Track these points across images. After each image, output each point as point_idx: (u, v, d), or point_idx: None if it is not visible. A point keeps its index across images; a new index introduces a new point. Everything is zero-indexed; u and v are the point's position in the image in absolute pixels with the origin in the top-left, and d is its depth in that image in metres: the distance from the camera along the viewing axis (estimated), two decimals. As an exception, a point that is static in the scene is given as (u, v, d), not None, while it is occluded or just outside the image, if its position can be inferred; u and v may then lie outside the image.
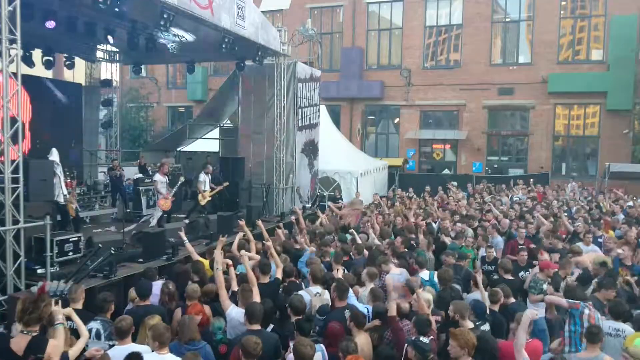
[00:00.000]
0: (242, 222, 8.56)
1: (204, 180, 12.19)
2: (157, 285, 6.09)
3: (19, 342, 3.88)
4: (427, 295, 5.68)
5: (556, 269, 7.01)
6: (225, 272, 6.08)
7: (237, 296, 5.49)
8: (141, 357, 3.98)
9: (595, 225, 10.14)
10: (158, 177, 11.23)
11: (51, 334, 4.15)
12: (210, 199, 12.11)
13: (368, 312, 5.52)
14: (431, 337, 4.74)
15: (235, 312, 5.20)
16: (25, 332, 3.92)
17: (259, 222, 9.21)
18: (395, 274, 6.62)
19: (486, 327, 5.29)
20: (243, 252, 6.76)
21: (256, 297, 5.47)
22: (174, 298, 5.89)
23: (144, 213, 12.45)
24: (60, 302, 4.41)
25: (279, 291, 6.20)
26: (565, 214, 11.73)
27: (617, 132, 19.73)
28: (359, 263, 7.41)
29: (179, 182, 11.80)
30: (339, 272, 6.67)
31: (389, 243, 8.30)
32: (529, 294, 6.73)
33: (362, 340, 4.82)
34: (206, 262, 6.98)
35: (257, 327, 4.78)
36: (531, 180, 18.02)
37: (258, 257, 7.01)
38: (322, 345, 4.71)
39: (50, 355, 3.87)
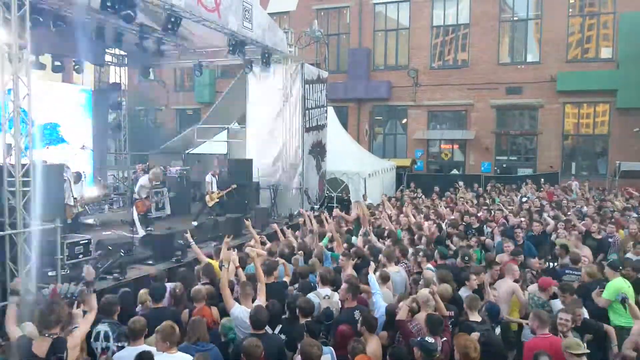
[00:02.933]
0: (248, 222, 8.61)
1: (211, 182, 12.24)
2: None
3: (40, 345, 3.95)
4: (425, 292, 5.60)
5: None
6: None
7: (238, 293, 5.52)
8: (151, 356, 4.01)
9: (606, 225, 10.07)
10: (144, 181, 11.19)
11: (67, 336, 4.20)
12: (217, 200, 12.15)
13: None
14: (444, 338, 4.72)
15: (238, 311, 5.22)
16: (46, 334, 3.98)
17: (274, 225, 9.40)
18: (393, 272, 6.67)
19: (497, 330, 5.29)
20: (249, 248, 6.70)
21: (262, 296, 5.48)
22: (181, 301, 5.91)
23: (153, 215, 12.51)
24: (81, 305, 4.47)
25: (285, 291, 6.20)
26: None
27: (628, 131, 19.51)
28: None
29: (163, 193, 11.76)
30: (348, 270, 6.65)
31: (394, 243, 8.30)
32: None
33: (373, 343, 4.80)
34: (215, 264, 7.01)
35: (262, 330, 4.78)
36: (541, 180, 17.90)
37: (264, 252, 7.02)
38: (330, 347, 4.70)
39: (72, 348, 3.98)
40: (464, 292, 6.08)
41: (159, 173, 11.78)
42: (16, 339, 4.28)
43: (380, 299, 5.73)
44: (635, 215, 11.81)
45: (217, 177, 12.53)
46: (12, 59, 6.80)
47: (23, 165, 6.91)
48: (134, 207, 10.94)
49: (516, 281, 6.64)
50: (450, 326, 5.27)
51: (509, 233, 9.36)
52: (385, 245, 8.24)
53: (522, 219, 10.70)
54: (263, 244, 8.24)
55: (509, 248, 8.20)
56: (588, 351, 4.45)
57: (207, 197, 12.10)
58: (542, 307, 5.90)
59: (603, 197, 15.22)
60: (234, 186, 12.54)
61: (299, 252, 7.77)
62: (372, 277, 6.01)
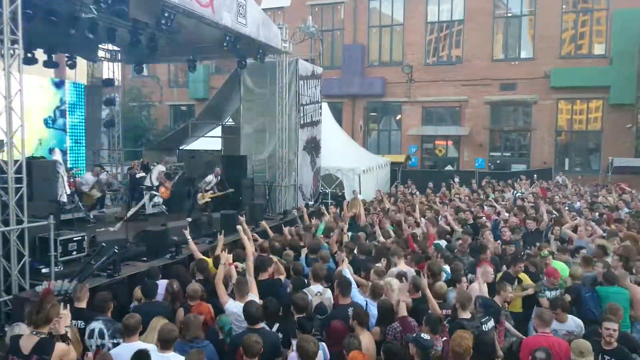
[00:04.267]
0: (242, 218, 8.60)
1: (211, 182, 12.25)
2: (161, 284, 6.10)
3: (26, 341, 3.94)
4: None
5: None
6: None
7: (233, 289, 5.52)
8: (149, 355, 4.00)
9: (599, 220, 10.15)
10: (161, 167, 11.31)
11: (58, 337, 4.16)
12: (209, 200, 12.14)
13: (367, 305, 5.55)
14: (444, 338, 4.74)
15: (233, 307, 5.24)
16: (34, 332, 3.97)
17: (263, 223, 9.33)
18: (404, 269, 6.66)
19: (491, 323, 5.31)
20: (236, 264, 6.63)
21: (253, 291, 5.49)
22: (177, 298, 5.90)
23: (147, 212, 12.47)
24: (68, 304, 4.44)
25: (279, 288, 6.21)
26: (567, 209, 11.70)
27: (620, 127, 19.65)
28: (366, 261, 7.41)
29: (179, 173, 11.96)
30: (344, 264, 6.67)
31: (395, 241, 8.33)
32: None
33: (366, 338, 4.82)
34: (210, 261, 6.99)
35: (258, 325, 4.79)
36: (535, 175, 17.98)
37: (251, 249, 7.00)
38: (323, 343, 4.71)
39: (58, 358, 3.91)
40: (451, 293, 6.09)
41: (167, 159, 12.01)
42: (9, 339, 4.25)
43: (357, 293, 5.79)
44: (627, 210, 11.92)
45: (218, 178, 12.53)
46: (4, 55, 6.75)
47: (15, 162, 6.87)
48: (160, 194, 11.19)
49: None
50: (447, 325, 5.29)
51: (494, 232, 9.39)
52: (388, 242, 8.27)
53: (515, 215, 10.78)
54: (255, 240, 8.22)
55: (506, 232, 8.84)
56: (591, 356, 4.34)
57: (199, 195, 12.09)
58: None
59: (595, 193, 15.33)
60: (232, 190, 12.49)
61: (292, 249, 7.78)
62: (347, 272, 6.06)
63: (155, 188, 11.11)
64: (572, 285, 6.45)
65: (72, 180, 11.82)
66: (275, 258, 7.05)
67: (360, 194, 14.86)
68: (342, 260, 6.53)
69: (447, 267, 6.86)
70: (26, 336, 4.00)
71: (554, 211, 11.23)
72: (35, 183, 8.37)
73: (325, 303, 5.74)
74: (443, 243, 8.55)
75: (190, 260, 7.74)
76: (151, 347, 4.29)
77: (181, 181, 12.86)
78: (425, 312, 5.21)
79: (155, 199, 11.27)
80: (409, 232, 8.93)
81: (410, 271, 6.69)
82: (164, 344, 4.28)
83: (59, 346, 3.95)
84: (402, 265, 6.88)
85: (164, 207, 12.16)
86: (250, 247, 6.98)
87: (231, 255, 6.39)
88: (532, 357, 4.23)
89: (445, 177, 18.91)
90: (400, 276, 6.29)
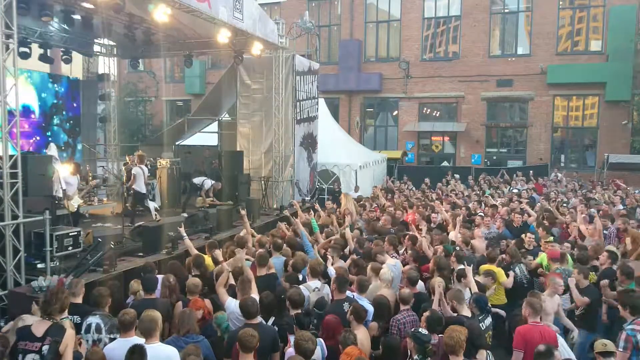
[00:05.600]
0: (243, 212, 8.61)
1: (210, 189, 12.33)
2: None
3: (39, 326, 4.17)
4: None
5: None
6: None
7: (236, 289, 5.52)
8: (144, 349, 4.00)
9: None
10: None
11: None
12: (207, 205, 12.18)
13: (353, 298, 5.57)
14: (441, 334, 4.76)
15: (233, 305, 5.24)
16: (47, 319, 4.21)
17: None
18: (390, 265, 6.67)
19: (488, 320, 5.33)
20: (237, 249, 6.74)
21: (253, 291, 5.49)
22: (174, 292, 5.90)
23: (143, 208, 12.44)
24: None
25: (276, 284, 6.22)
26: (564, 205, 11.74)
27: (616, 123, 19.71)
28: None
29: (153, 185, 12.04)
30: (336, 262, 6.69)
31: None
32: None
33: (361, 333, 4.84)
34: (207, 257, 6.98)
35: (255, 320, 4.80)
36: (530, 172, 18.02)
37: (252, 259, 7.00)
38: (321, 339, 4.73)
39: (67, 343, 4.11)
40: None
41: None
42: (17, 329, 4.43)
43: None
44: (621, 207, 11.97)
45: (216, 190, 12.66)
46: (-1, 49, 6.71)
47: (10, 157, 6.84)
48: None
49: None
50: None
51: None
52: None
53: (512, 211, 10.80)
54: (252, 236, 8.22)
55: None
56: (614, 350, 4.35)
57: (199, 199, 12.14)
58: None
59: (593, 190, 15.36)
60: (231, 203, 12.41)
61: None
62: (332, 271, 6.14)
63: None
64: None
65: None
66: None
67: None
68: (328, 261, 6.61)
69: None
70: (37, 322, 4.24)
71: (550, 207, 11.26)
72: (30, 178, 8.34)
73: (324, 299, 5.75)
74: None
75: (186, 256, 7.74)
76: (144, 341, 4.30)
77: (176, 176, 12.87)
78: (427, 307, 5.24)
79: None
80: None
81: (398, 264, 6.77)
82: (145, 333, 4.30)
83: (70, 331, 4.20)
84: (390, 261, 6.90)
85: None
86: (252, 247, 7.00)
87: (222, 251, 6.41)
88: (535, 351, 4.27)
89: (442, 173, 18.94)
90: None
